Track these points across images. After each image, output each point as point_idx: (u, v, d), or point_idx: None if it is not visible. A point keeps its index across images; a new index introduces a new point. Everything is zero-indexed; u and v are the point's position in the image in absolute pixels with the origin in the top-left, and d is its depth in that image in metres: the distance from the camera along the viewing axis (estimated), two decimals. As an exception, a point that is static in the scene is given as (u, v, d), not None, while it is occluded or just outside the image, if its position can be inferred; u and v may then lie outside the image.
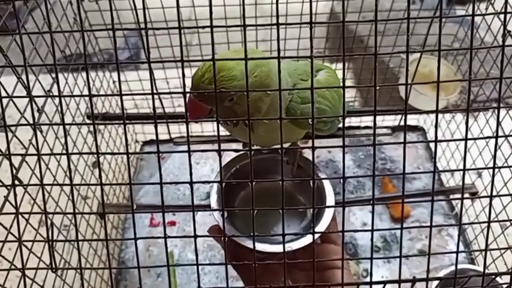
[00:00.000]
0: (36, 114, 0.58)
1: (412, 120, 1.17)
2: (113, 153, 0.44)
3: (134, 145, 1.15)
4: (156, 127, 0.34)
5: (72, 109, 0.81)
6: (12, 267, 0.46)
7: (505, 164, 0.74)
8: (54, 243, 0.39)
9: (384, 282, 0.38)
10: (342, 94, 0.61)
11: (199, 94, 0.48)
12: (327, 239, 0.56)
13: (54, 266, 0.40)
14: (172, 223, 1.01)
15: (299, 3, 0.87)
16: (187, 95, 0.48)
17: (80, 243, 0.35)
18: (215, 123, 0.80)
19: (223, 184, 0.55)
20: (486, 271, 0.77)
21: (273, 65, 0.50)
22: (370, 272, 0.36)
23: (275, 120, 0.35)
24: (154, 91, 0.34)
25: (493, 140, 0.38)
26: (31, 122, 0.37)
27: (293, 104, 0.54)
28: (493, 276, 0.43)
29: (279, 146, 0.48)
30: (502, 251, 0.74)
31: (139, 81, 1.01)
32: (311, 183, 0.37)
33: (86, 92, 0.85)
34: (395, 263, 0.90)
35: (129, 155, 0.35)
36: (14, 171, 0.41)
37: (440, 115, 1.00)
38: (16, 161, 0.48)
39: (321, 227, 0.54)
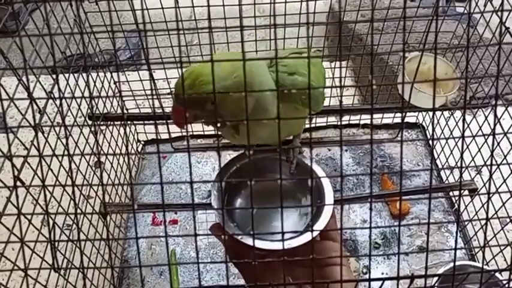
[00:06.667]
0: (38, 115, 0.59)
1: (411, 117, 1.17)
2: (114, 154, 0.44)
3: (136, 144, 1.16)
4: (156, 128, 0.35)
5: (73, 109, 0.81)
6: (15, 267, 0.47)
7: (504, 161, 0.75)
8: (57, 243, 0.40)
9: (383, 279, 0.38)
10: (324, 73, 0.64)
11: (182, 100, 0.49)
12: (326, 236, 0.56)
13: (56, 266, 0.40)
14: (175, 221, 1.01)
15: (298, 2, 0.87)
16: (172, 102, 0.49)
17: (83, 242, 0.35)
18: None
19: (225, 183, 0.55)
20: (487, 268, 0.78)
21: (254, 65, 0.51)
22: (369, 268, 0.37)
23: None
24: (154, 92, 0.35)
25: (492, 137, 0.38)
26: (33, 123, 0.37)
27: (281, 74, 0.55)
28: (492, 273, 0.44)
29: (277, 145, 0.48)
30: (502, 247, 0.74)
31: (140, 81, 1.01)
32: (309, 182, 0.38)
33: (86, 93, 0.85)
34: (395, 259, 0.90)
35: (130, 155, 0.35)
36: (16, 172, 0.41)
37: (439, 112, 1.00)
38: (18, 162, 0.48)
39: (320, 224, 0.54)
